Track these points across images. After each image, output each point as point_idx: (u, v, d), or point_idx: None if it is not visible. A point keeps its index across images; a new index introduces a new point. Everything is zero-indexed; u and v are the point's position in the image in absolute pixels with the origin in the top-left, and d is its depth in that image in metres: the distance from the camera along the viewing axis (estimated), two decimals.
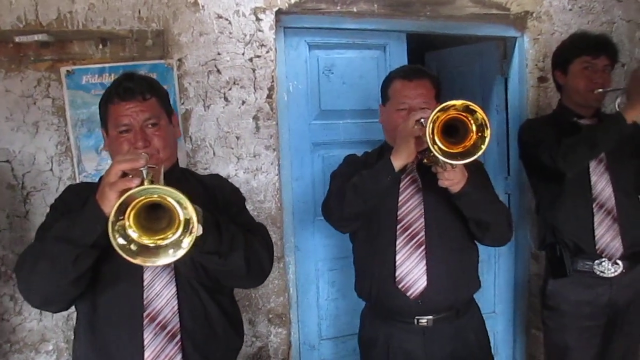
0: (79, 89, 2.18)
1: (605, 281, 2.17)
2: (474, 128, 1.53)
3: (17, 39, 2.09)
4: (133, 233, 1.13)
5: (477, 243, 1.97)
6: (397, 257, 1.84)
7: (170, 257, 1.15)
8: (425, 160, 1.75)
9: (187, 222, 1.14)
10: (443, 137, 1.55)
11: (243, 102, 2.37)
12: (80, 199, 1.43)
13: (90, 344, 1.46)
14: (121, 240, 1.12)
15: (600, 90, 2.19)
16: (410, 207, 1.87)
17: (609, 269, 2.15)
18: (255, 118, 2.39)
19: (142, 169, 1.20)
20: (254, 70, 2.38)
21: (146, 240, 1.14)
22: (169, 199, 1.13)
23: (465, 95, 3.21)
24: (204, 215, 1.30)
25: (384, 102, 1.97)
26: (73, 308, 1.52)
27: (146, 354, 1.39)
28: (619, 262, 2.15)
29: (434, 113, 1.52)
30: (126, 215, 1.12)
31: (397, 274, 1.83)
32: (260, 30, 2.39)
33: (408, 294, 1.82)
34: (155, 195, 1.13)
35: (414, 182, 1.90)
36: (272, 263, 1.56)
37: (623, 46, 3.17)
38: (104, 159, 2.18)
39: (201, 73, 2.32)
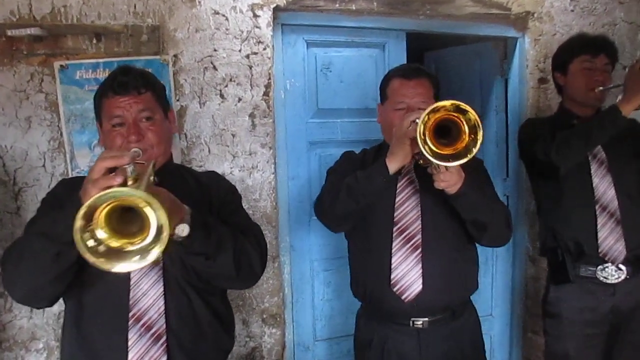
0: (73, 84, 2.15)
1: (608, 287, 2.13)
2: (467, 129, 1.52)
3: (9, 33, 2.06)
4: (103, 234, 1.08)
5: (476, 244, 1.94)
6: (393, 260, 1.81)
7: (133, 263, 1.09)
8: (421, 162, 1.72)
9: (160, 229, 1.07)
10: (435, 139, 1.53)
11: (239, 100, 2.34)
12: (71, 194, 1.40)
13: (76, 342, 1.44)
14: (91, 242, 1.07)
15: (601, 88, 2.16)
16: (407, 209, 1.85)
17: (613, 274, 2.11)
18: (252, 116, 2.36)
19: (127, 166, 1.17)
20: (250, 67, 2.35)
21: (114, 243, 1.09)
22: (141, 203, 1.06)
23: (464, 96, 3.23)
24: (192, 215, 1.28)
25: (382, 101, 1.95)
26: (63, 305, 1.50)
27: (130, 355, 1.37)
28: (623, 267, 2.11)
29: (424, 115, 1.51)
30: (95, 217, 1.06)
31: (392, 277, 1.81)
32: (257, 27, 2.36)
33: (403, 297, 1.80)
34: (113, 200, 1.06)
35: (411, 184, 1.87)
36: (264, 265, 1.54)
37: (624, 48, 3.15)
38: (97, 155, 2.14)
39: (197, 69, 2.29)
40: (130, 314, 1.38)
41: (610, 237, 2.11)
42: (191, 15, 2.28)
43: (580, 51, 2.21)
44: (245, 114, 2.35)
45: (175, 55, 2.26)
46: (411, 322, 1.85)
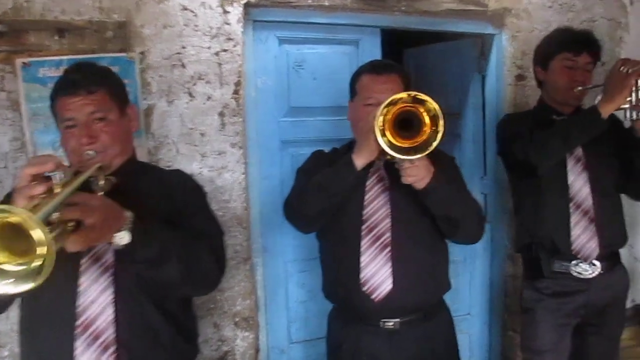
0: (35, 81, 2.08)
1: (582, 282, 2.12)
2: (428, 120, 1.48)
3: None
4: None
5: (449, 243, 1.91)
6: (362, 259, 1.77)
7: (4, 286, 1.01)
8: (389, 157, 1.67)
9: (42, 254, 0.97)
10: (396, 131, 1.50)
11: (208, 98, 2.29)
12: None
13: (28, 347, 1.41)
14: None
15: (580, 88, 2.13)
16: (376, 206, 1.81)
17: (587, 270, 2.10)
18: (221, 114, 2.30)
19: (53, 173, 1.12)
20: (220, 65, 2.29)
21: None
22: (25, 222, 0.96)
23: (442, 93, 3.20)
24: (134, 222, 1.23)
25: (352, 98, 1.90)
26: None
27: None
28: (597, 263, 2.10)
29: (382, 107, 1.47)
30: None
31: (361, 276, 1.77)
32: (227, 24, 2.30)
33: (372, 297, 1.76)
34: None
35: (381, 180, 1.83)
36: (221, 270, 1.49)
37: (604, 45, 3.09)
38: (61, 156, 2.08)
39: (165, 67, 2.23)
40: (78, 322, 1.33)
41: (583, 235, 2.09)
42: (159, 11, 2.22)
43: (562, 48, 2.16)
44: (214, 112, 2.29)
45: (142, 53, 2.20)
46: (382, 324, 1.81)
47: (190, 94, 2.26)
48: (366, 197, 1.81)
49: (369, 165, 1.80)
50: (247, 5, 2.34)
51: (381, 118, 1.49)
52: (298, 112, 2.52)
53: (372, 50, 2.59)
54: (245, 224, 2.38)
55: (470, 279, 2.99)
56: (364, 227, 1.79)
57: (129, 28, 2.19)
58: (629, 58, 1.99)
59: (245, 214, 2.38)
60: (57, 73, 2.07)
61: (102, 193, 1.37)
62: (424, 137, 1.50)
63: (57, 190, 1.10)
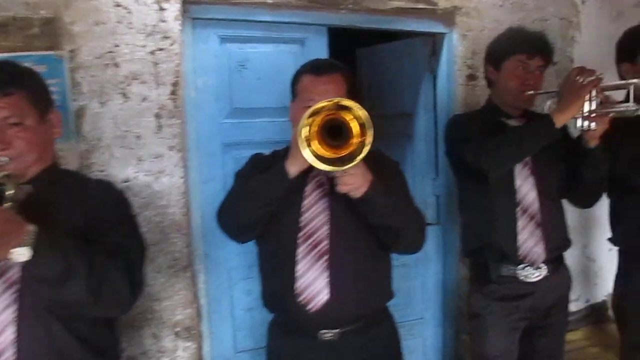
0: None
1: (528, 286, 2.08)
2: (357, 130, 1.41)
3: None
4: None
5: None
6: (297, 268, 1.69)
7: None
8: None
9: None
10: (325, 141, 1.43)
11: (144, 99, 2.18)
12: None
13: None
14: None
15: (532, 92, 2.08)
16: (315, 212, 1.73)
17: (533, 273, 2.07)
18: (158, 116, 2.20)
19: None
20: (156, 64, 2.19)
21: None
22: None
23: (394, 93, 3.14)
24: (36, 237, 1.14)
25: (293, 98, 1.82)
26: None
27: None
28: (542, 266, 2.08)
29: (304, 118, 1.40)
30: None
31: (296, 286, 1.69)
32: (163, 21, 2.20)
33: (308, 307, 1.68)
34: None
35: (321, 186, 1.75)
36: (136, 289, 1.40)
37: (556, 44, 3.08)
38: None
39: (97, 66, 2.11)
40: None
41: (530, 240, 2.06)
42: (90, 8, 2.10)
43: (517, 49, 2.09)
44: (150, 114, 2.19)
45: (72, 51, 2.08)
46: (321, 335, 1.73)
47: (125, 95, 2.15)
48: (304, 203, 1.74)
49: (309, 170, 1.71)
50: (185, 2, 2.24)
51: (307, 128, 1.41)
52: (241, 114, 2.43)
53: (319, 49, 2.51)
54: (185, 230, 2.28)
55: (422, 283, 2.94)
56: (300, 234, 1.71)
57: (57, 25, 2.07)
58: (585, 67, 1.94)
59: (185, 220, 2.28)
60: None
61: (10, 203, 1.26)
62: (351, 148, 1.43)
63: None
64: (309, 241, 1.69)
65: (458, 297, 2.97)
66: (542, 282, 2.09)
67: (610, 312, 3.09)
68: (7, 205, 1.24)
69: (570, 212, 3.06)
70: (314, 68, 1.76)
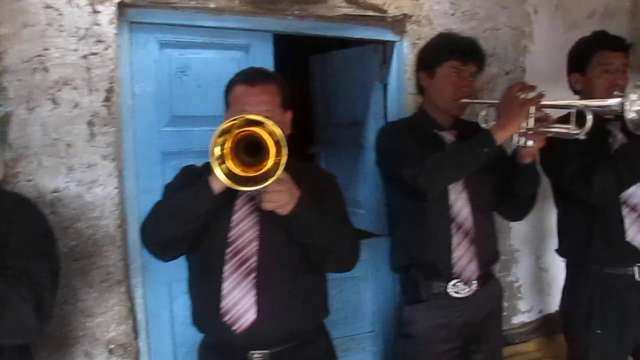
0: None
1: (459, 302, 2.04)
2: (273, 147, 1.36)
3: None
4: None
5: None
6: (224, 286, 1.62)
7: None
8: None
9: None
10: (242, 158, 1.38)
11: (75, 106, 2.08)
12: None
13: None
14: None
15: (466, 100, 2.04)
16: (244, 228, 1.66)
17: (463, 288, 2.03)
18: (90, 124, 2.10)
19: None
20: (88, 70, 2.09)
21: None
22: None
23: (346, 102, 3.08)
24: None
25: (227, 108, 1.75)
26: None
27: None
28: (473, 280, 2.04)
29: (214, 137, 1.37)
30: None
31: (222, 305, 1.61)
32: (97, 24, 2.11)
33: (234, 327, 1.61)
34: None
35: (251, 201, 1.68)
36: (43, 315, 1.31)
37: (507, 53, 3.10)
38: None
39: (24, 71, 2.01)
40: None
41: (464, 257, 2.01)
42: (18, 9, 2.00)
43: (450, 56, 2.06)
44: (82, 121, 2.09)
45: None
46: (250, 356, 1.65)
47: (54, 101, 2.05)
48: (234, 217, 1.67)
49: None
50: (121, 5, 2.15)
51: (218, 148, 1.36)
52: (181, 122, 2.34)
53: (264, 56, 2.45)
54: (119, 242, 2.18)
55: (373, 295, 2.87)
56: (228, 250, 1.64)
57: None
58: (525, 82, 1.92)
59: (120, 232, 2.18)
60: None
61: None
62: (266, 167, 1.38)
63: None
64: (237, 257, 1.63)
65: None
66: (473, 297, 2.05)
67: None
68: None
69: (523, 223, 3.09)
70: (247, 77, 1.70)
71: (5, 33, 1.99)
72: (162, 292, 2.38)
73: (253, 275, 1.61)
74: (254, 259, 1.63)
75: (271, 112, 1.61)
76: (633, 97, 1.78)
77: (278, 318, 1.62)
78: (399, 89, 2.75)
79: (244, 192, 1.67)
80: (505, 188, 2.04)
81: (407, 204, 2.07)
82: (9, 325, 1.22)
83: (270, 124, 1.35)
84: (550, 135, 1.87)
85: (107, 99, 2.12)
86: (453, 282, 2.01)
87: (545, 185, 2.30)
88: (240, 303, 1.60)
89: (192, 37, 2.34)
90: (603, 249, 2.14)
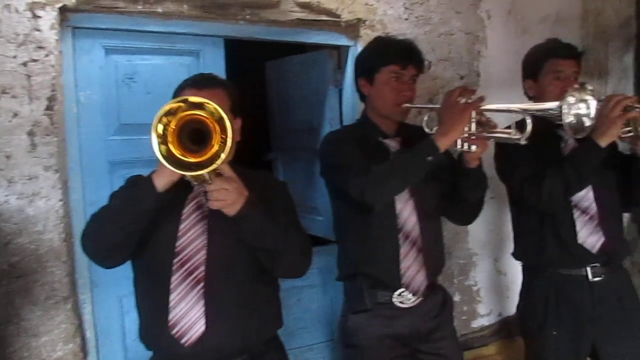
0: None
1: (405, 311, 2.00)
2: (217, 128, 1.30)
3: None
4: None
5: None
6: (171, 298, 1.56)
7: None
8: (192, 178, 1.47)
9: None
10: (186, 146, 1.32)
11: (15, 115, 1.99)
12: None
13: None
14: None
15: (408, 105, 2.01)
16: (192, 237, 1.60)
17: (409, 298, 1.98)
18: (31, 133, 2.01)
19: None
20: (29, 77, 2.00)
21: None
22: None
23: (301, 107, 3.05)
24: None
25: None
26: None
27: None
28: (422, 290, 2.00)
29: (158, 115, 1.30)
30: None
31: (169, 317, 1.55)
32: (37, 30, 2.02)
33: (182, 341, 1.55)
34: None
35: (199, 208, 1.63)
36: None
37: (462, 58, 3.11)
38: None
39: None
40: None
41: (412, 267, 1.97)
42: None
43: (389, 60, 2.00)
44: (22, 131, 2.00)
45: None
46: None
47: None
48: (181, 226, 1.61)
49: (187, 191, 1.61)
50: (63, 10, 2.07)
51: (161, 127, 1.30)
52: (130, 130, 2.27)
53: (216, 62, 2.40)
54: (64, 257, 2.09)
55: (331, 303, 2.83)
56: (175, 260, 1.58)
57: None
58: (467, 87, 1.90)
59: (65, 246, 2.09)
60: None
61: None
62: (213, 149, 1.31)
63: None
64: (185, 267, 1.57)
65: None
66: (419, 307, 2.01)
67: None
68: None
69: (481, 227, 3.11)
70: (195, 82, 1.66)
71: None
72: (113, 307, 2.30)
73: (201, 285, 1.56)
74: (202, 268, 1.57)
75: None
76: (571, 100, 1.78)
77: (228, 330, 1.57)
78: (354, 94, 2.70)
79: (191, 199, 1.63)
80: (452, 193, 2.01)
81: (353, 214, 2.00)
82: None
83: (209, 102, 1.29)
84: (492, 140, 1.85)
85: (49, 108, 2.04)
86: (399, 291, 1.97)
87: (502, 189, 2.32)
88: (188, 315, 1.55)
89: (140, 43, 2.27)
90: (556, 252, 2.17)
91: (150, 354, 1.74)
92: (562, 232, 2.15)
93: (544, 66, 2.16)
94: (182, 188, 1.53)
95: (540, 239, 2.20)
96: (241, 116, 1.71)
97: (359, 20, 2.68)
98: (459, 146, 1.83)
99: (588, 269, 2.13)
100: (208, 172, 1.33)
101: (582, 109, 1.85)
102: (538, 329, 2.21)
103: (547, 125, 2.12)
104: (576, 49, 2.24)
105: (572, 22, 3.61)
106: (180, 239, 1.59)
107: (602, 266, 2.14)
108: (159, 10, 2.23)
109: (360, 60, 2.12)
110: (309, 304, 2.74)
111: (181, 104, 1.30)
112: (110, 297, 2.28)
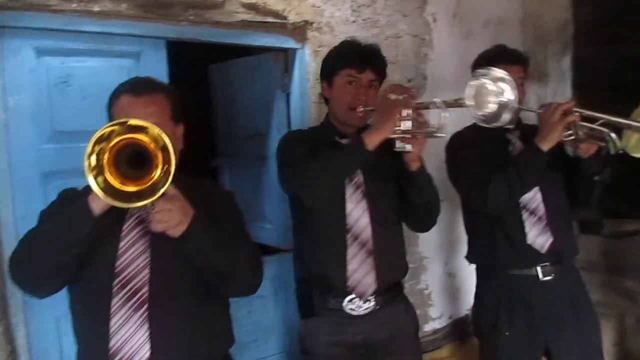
0: None
1: (357, 319, 1.95)
2: (160, 155, 1.21)
3: None
4: None
5: None
6: (112, 323, 1.43)
7: None
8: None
9: None
10: (123, 171, 1.22)
11: None
12: None
13: None
14: None
15: (362, 109, 1.96)
16: (133, 255, 1.48)
17: (361, 306, 1.93)
18: None
19: None
20: None
21: None
22: None
23: (247, 112, 2.95)
24: None
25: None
26: None
27: None
28: (371, 298, 1.94)
29: (89, 146, 1.19)
30: None
31: (111, 345, 1.43)
32: None
33: None
34: None
35: (141, 223, 1.51)
36: None
37: (409, 61, 3.11)
38: None
39: None
40: None
41: (360, 270, 1.92)
42: None
43: (345, 64, 1.97)
44: None
45: None
46: None
47: None
48: (121, 244, 1.48)
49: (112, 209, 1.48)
50: None
51: (93, 157, 1.18)
52: (65, 138, 2.11)
53: (157, 65, 2.27)
54: None
55: (283, 313, 2.75)
56: (116, 282, 1.45)
57: None
58: (400, 84, 1.88)
59: None
60: None
61: None
62: (153, 178, 1.22)
63: None
64: (126, 289, 1.45)
65: None
66: (371, 316, 1.95)
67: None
68: None
69: (431, 230, 3.09)
70: (132, 87, 1.54)
71: None
72: (49, 329, 2.13)
73: (145, 307, 1.44)
74: (145, 289, 1.46)
75: (160, 125, 1.46)
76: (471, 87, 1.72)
77: (176, 354, 1.47)
78: (302, 98, 2.66)
79: (132, 214, 1.51)
80: (403, 198, 1.99)
81: (303, 214, 1.97)
82: None
83: (154, 129, 1.20)
84: (421, 137, 1.78)
85: None
86: (349, 297, 1.92)
87: (453, 191, 2.31)
88: (131, 340, 1.43)
89: (75, 44, 2.13)
90: (507, 253, 2.19)
91: None
92: (511, 234, 2.18)
93: None
94: None
95: (492, 240, 2.22)
96: (184, 122, 1.61)
97: (306, 22, 2.62)
98: (397, 146, 1.79)
99: (538, 268, 2.16)
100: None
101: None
102: (491, 329, 2.22)
103: (495, 128, 2.14)
104: (522, 55, 2.27)
105: (514, 26, 3.70)
106: (120, 259, 1.47)
107: (552, 265, 2.17)
108: (96, 9, 2.10)
109: (323, 62, 2.08)
110: (260, 316, 2.64)
111: (114, 128, 1.20)
112: (46, 319, 2.12)
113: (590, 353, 2.23)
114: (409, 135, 1.77)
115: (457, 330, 3.33)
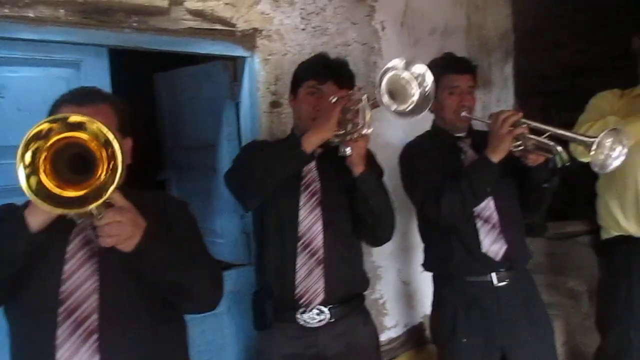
0: None
1: (310, 332, 1.92)
2: (104, 155, 1.12)
3: None
4: None
5: None
6: (58, 355, 1.33)
7: None
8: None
9: None
10: (64, 176, 1.12)
11: None
12: None
13: None
14: None
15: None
16: (80, 280, 1.38)
17: (314, 318, 1.91)
18: None
19: None
20: None
21: None
22: None
23: (195, 122, 2.85)
24: None
25: None
26: None
27: None
28: (325, 310, 1.92)
29: (22, 144, 1.10)
30: None
31: None
32: None
33: None
34: None
35: (86, 245, 1.41)
36: None
37: (358, 69, 3.07)
38: None
39: None
40: None
41: (308, 279, 1.91)
42: None
43: (307, 75, 1.99)
44: None
45: None
46: None
47: None
48: (66, 267, 1.38)
49: (72, 224, 1.39)
50: None
51: (29, 154, 1.09)
52: None
53: (99, 74, 2.15)
54: None
55: (238, 331, 2.63)
56: (61, 309, 1.35)
57: None
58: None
59: None
60: None
61: None
62: (99, 179, 1.13)
63: None
64: (73, 318, 1.35)
65: None
66: (326, 328, 1.93)
67: (428, 333, 3.12)
68: None
69: None
70: (75, 97, 1.45)
71: None
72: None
73: (95, 337, 1.35)
74: (95, 316, 1.36)
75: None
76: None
77: None
78: (252, 107, 2.59)
79: (77, 234, 1.41)
80: (352, 207, 1.97)
81: (259, 223, 1.99)
82: None
83: (92, 121, 1.10)
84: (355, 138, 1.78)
85: None
86: (303, 309, 1.89)
87: (406, 199, 2.30)
88: None
89: (8, 52, 1.98)
90: (462, 260, 2.21)
91: None
92: (467, 242, 2.21)
93: (441, 81, 2.19)
94: (64, 222, 1.31)
95: (447, 249, 2.24)
96: (131, 135, 1.52)
97: (255, 30, 2.55)
98: (341, 151, 1.80)
99: (493, 275, 2.19)
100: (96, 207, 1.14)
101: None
102: (449, 336, 2.23)
103: (447, 137, 2.18)
104: (470, 64, 2.31)
105: (459, 34, 3.75)
106: (65, 283, 1.37)
107: (506, 271, 2.20)
108: (30, 14, 1.96)
109: (293, 73, 2.08)
110: (213, 334, 2.53)
111: (53, 125, 1.09)
112: None
113: (545, 356, 2.27)
114: (348, 138, 1.77)
115: (413, 338, 3.32)
